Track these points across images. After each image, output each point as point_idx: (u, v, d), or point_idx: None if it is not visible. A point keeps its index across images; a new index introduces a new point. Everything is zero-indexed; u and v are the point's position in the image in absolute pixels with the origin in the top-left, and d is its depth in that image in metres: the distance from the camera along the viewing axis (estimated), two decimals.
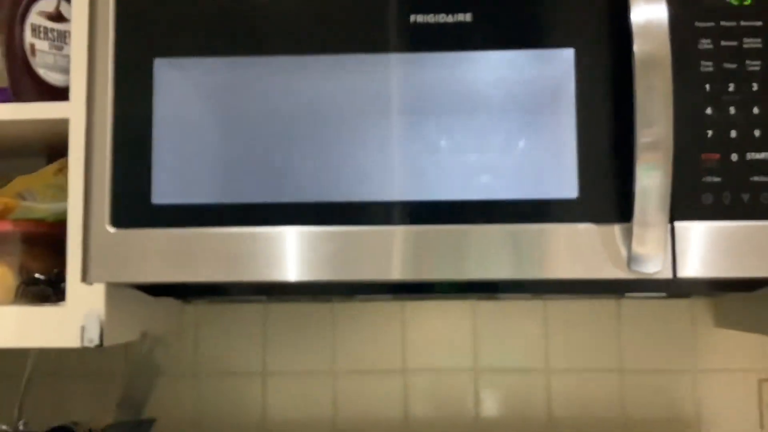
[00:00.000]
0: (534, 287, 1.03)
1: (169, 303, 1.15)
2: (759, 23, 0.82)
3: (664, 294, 1.14)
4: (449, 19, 0.83)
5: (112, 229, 0.83)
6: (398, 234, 0.82)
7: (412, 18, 0.84)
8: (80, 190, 0.87)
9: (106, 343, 0.89)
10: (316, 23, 0.84)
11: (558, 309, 1.21)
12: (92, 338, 0.89)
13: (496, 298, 1.20)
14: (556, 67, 0.82)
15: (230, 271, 0.83)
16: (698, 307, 1.20)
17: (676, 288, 1.02)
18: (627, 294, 1.13)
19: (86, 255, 0.83)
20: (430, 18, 0.84)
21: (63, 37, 1.00)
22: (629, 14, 0.77)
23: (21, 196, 0.98)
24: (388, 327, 1.22)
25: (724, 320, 1.16)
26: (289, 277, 0.82)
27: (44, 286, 0.97)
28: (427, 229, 0.81)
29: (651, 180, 0.76)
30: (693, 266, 0.80)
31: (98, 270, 0.83)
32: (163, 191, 0.83)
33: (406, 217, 0.81)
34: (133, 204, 0.83)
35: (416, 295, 1.17)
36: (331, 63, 0.84)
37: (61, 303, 0.91)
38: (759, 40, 0.81)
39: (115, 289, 0.91)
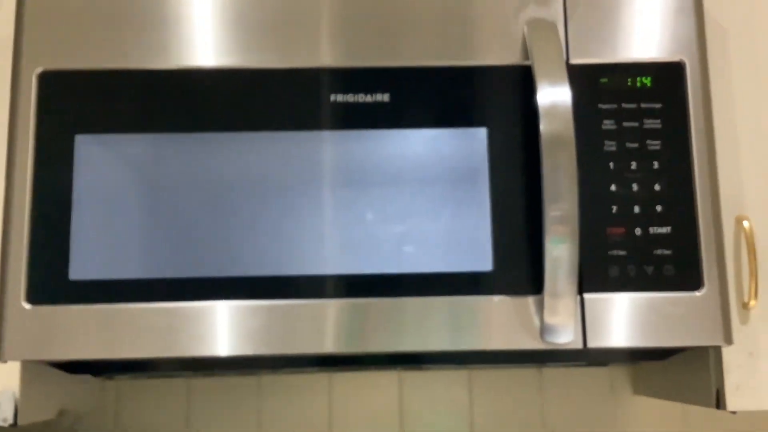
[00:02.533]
0: (459, 357, 1.05)
1: (89, 379, 1.13)
2: (658, 105, 0.87)
3: (583, 363, 1.17)
4: (368, 98, 0.87)
5: (27, 306, 0.82)
6: (331, 307, 0.83)
7: (333, 97, 0.87)
8: None
9: (21, 422, 0.87)
10: (244, 101, 0.86)
11: (482, 378, 1.22)
12: (6, 417, 0.87)
13: (422, 369, 1.22)
14: (470, 145, 0.86)
15: (154, 347, 0.82)
16: (616, 375, 1.23)
17: (592, 357, 1.05)
18: (547, 363, 1.16)
19: (1, 332, 0.82)
20: (350, 97, 0.87)
21: None
22: (536, 96, 0.82)
23: None
24: (315, 399, 1.22)
25: (642, 388, 1.19)
26: (219, 353, 0.82)
27: None
28: (359, 301, 0.83)
29: (560, 252, 0.79)
30: (602, 336, 0.83)
31: (13, 347, 0.82)
32: (82, 267, 0.83)
33: (339, 290, 0.83)
34: (50, 280, 0.82)
35: (343, 366, 1.17)
36: (259, 139, 0.86)
37: None
38: (658, 120, 0.87)
39: (30, 367, 0.90)
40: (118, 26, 0.87)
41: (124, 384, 1.21)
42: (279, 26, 0.88)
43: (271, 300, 0.83)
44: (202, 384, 1.21)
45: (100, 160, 0.85)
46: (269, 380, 1.22)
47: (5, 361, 0.83)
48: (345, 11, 0.89)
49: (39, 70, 0.86)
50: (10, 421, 0.87)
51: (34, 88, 0.86)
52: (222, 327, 0.82)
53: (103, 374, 1.12)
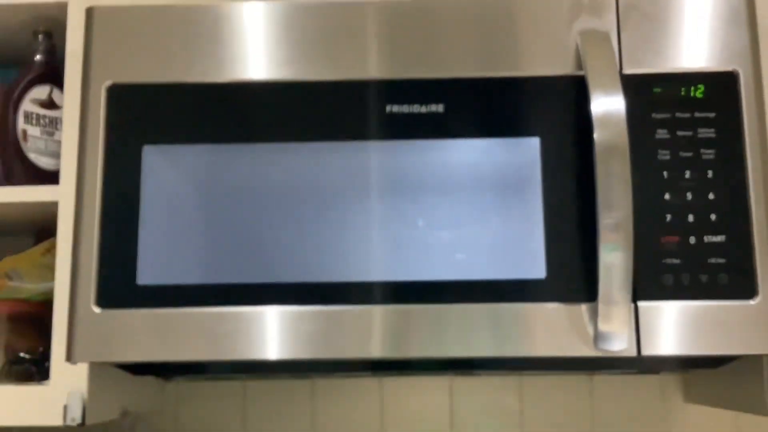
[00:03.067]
0: (509, 363, 1.06)
1: (150, 381, 1.17)
2: (712, 114, 0.87)
3: (634, 370, 1.17)
4: (423, 109, 0.89)
5: (97, 309, 0.85)
6: (378, 313, 0.85)
7: (388, 108, 0.89)
8: (67, 270, 0.90)
9: (88, 422, 0.91)
10: (298, 113, 0.89)
11: (533, 384, 1.23)
12: (75, 417, 0.90)
13: (473, 374, 1.23)
14: (523, 154, 0.87)
15: (213, 350, 0.85)
16: (668, 383, 1.23)
17: (644, 365, 1.06)
18: (599, 371, 1.16)
19: (71, 334, 0.85)
20: (405, 108, 0.89)
21: (54, 123, 1.04)
22: (590, 105, 0.83)
23: (8, 276, 1.01)
24: (367, 403, 1.24)
25: (693, 396, 1.18)
26: (270, 356, 0.85)
27: (29, 365, 0.98)
28: (405, 308, 0.85)
29: (614, 259, 0.80)
30: (656, 344, 0.83)
31: (83, 350, 0.85)
32: (149, 272, 0.86)
33: (386, 297, 0.85)
34: (119, 285, 0.85)
35: (394, 371, 1.19)
36: (313, 150, 0.88)
37: (45, 382, 0.92)
38: (712, 130, 0.87)
39: (98, 368, 0.93)
40: (180, 41, 0.91)
41: (182, 386, 1.24)
42: (329, 39, 0.90)
43: (321, 305, 0.85)
44: (258, 386, 1.24)
45: (165, 169, 0.88)
46: (322, 383, 1.24)
47: (75, 363, 0.87)
48: (393, 23, 0.90)
49: (108, 83, 0.90)
50: (78, 420, 0.90)
51: (103, 101, 0.89)
52: (272, 331, 0.85)
53: (165, 375, 1.16)
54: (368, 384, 1.24)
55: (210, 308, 0.85)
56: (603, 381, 1.23)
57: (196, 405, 1.24)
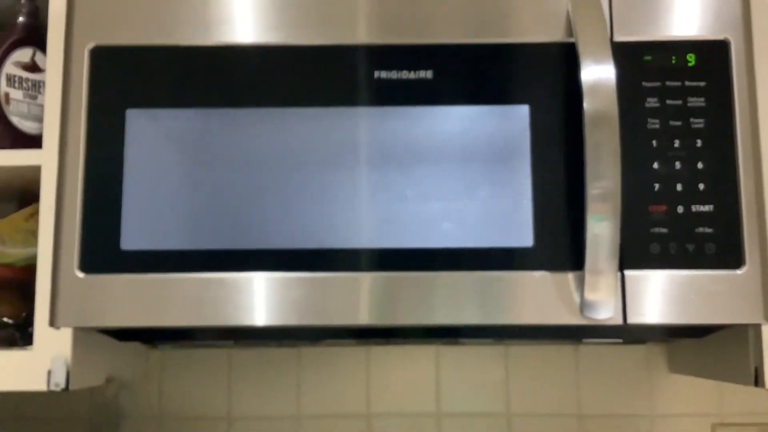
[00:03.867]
0: (495, 332, 1.06)
1: (135, 347, 1.16)
2: (702, 83, 0.87)
3: (619, 340, 1.17)
4: (411, 75, 0.88)
5: (80, 275, 0.85)
6: (366, 280, 0.84)
7: (377, 74, 0.88)
8: (50, 235, 0.89)
9: (72, 387, 0.90)
10: (285, 77, 0.88)
11: (519, 354, 1.23)
12: (58, 382, 0.89)
13: (459, 343, 1.23)
14: (513, 122, 0.86)
15: (198, 316, 0.85)
16: (653, 353, 1.23)
17: (630, 334, 1.06)
18: (584, 340, 1.17)
19: (54, 299, 0.85)
20: (394, 74, 0.88)
21: (37, 87, 1.02)
22: (579, 73, 0.82)
23: None
24: (353, 372, 1.24)
25: (678, 366, 1.19)
26: (256, 322, 0.84)
27: (12, 330, 0.98)
28: (393, 275, 0.84)
29: (601, 229, 0.80)
30: (642, 313, 0.83)
31: (66, 314, 0.85)
32: (133, 237, 0.85)
33: (373, 264, 0.84)
34: (103, 250, 0.85)
35: (381, 339, 1.19)
36: (300, 115, 0.87)
37: (29, 347, 0.91)
38: (702, 99, 0.86)
39: (82, 334, 0.92)
40: (165, 3, 0.89)
41: (168, 353, 1.24)
42: (319, 3, 0.89)
43: (308, 272, 0.85)
44: (244, 355, 1.24)
45: (149, 134, 0.87)
46: (308, 352, 1.24)
47: (58, 328, 0.87)
48: None
49: (91, 45, 0.88)
50: (62, 386, 0.90)
51: (86, 63, 0.88)
52: (259, 298, 0.85)
53: (150, 342, 1.16)
54: (354, 353, 1.24)
55: (195, 274, 0.85)
56: (588, 351, 1.23)
57: (181, 372, 1.24)
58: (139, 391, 1.24)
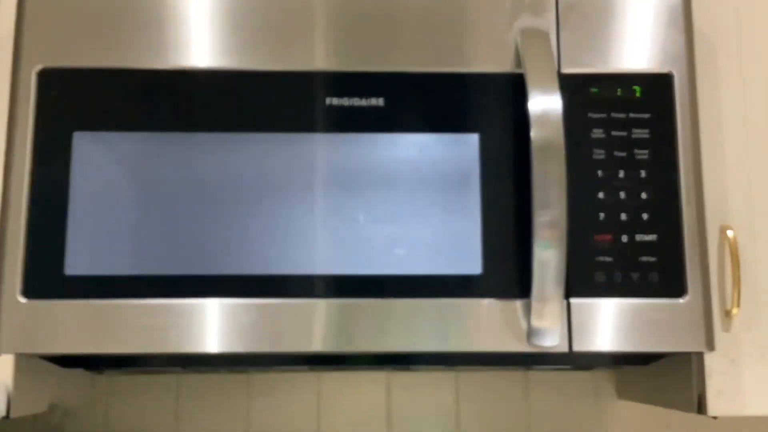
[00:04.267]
0: (445, 359, 1.06)
1: (80, 374, 1.14)
2: (647, 115, 0.89)
3: (568, 366, 1.19)
4: (363, 102, 0.88)
5: (23, 300, 0.83)
6: (319, 306, 0.84)
7: (328, 101, 0.88)
8: None
9: (13, 415, 0.88)
10: (235, 102, 0.88)
11: (469, 380, 1.24)
12: None
13: (410, 369, 1.23)
14: (462, 150, 0.87)
15: (146, 343, 0.83)
16: (601, 380, 1.25)
17: (577, 361, 1.07)
18: (534, 366, 1.18)
19: None
20: (345, 101, 0.88)
21: None
22: (527, 103, 0.83)
23: None
24: (304, 398, 1.23)
25: (625, 392, 1.21)
26: (209, 349, 0.83)
27: None
28: (346, 302, 0.84)
29: (547, 256, 0.81)
30: (588, 340, 0.85)
31: (7, 340, 0.83)
32: (77, 262, 0.84)
33: (327, 290, 0.84)
34: (46, 275, 0.83)
35: (332, 366, 1.19)
36: (250, 140, 0.87)
37: None
38: (647, 130, 0.89)
39: (24, 360, 0.91)
40: (117, 25, 0.89)
41: (114, 379, 1.22)
42: (274, 29, 0.89)
43: (261, 298, 0.84)
44: (192, 380, 1.23)
45: (97, 157, 0.86)
46: (259, 378, 1.23)
47: None
48: (340, 16, 0.90)
49: (38, 67, 0.87)
50: (3, 413, 0.88)
51: (33, 86, 0.87)
52: (212, 324, 0.84)
53: (96, 368, 1.13)
54: (305, 379, 1.23)
55: (143, 300, 0.84)
56: (537, 377, 1.24)
57: (127, 399, 1.22)
58: (84, 418, 1.21)
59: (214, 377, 1.23)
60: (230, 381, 1.23)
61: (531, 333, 0.83)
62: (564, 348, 0.84)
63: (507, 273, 0.85)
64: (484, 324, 0.84)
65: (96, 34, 0.88)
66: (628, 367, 1.15)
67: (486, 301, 0.85)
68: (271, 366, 1.17)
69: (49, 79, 0.87)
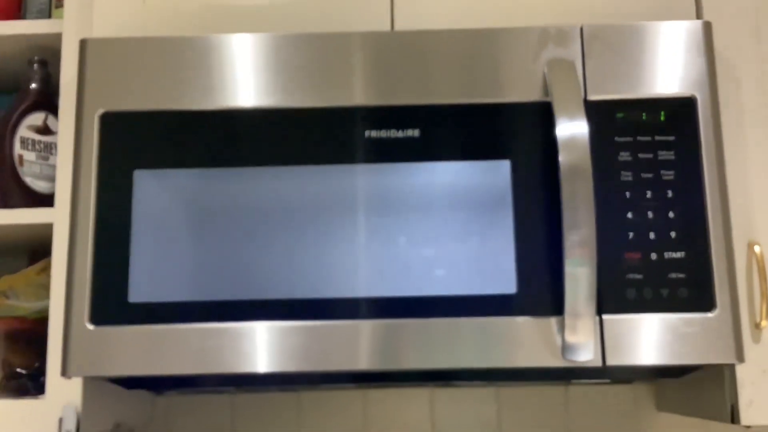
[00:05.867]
0: (486, 375, 1.10)
1: (142, 394, 1.20)
2: (672, 138, 0.93)
3: (607, 380, 1.22)
4: (400, 134, 0.94)
5: (90, 326, 0.89)
6: (363, 327, 0.89)
7: (367, 133, 0.94)
8: (62, 289, 0.94)
9: None
10: (280, 138, 0.94)
11: (510, 395, 1.27)
12: (69, 429, 0.94)
13: (452, 385, 1.27)
14: (495, 175, 0.92)
15: (202, 364, 0.89)
16: (640, 392, 1.27)
17: (614, 374, 1.10)
18: (573, 381, 1.21)
19: (66, 350, 0.89)
20: (383, 133, 0.94)
21: (49, 149, 1.08)
22: (555, 130, 0.88)
23: (5, 295, 1.05)
24: (351, 414, 1.28)
25: (664, 404, 1.23)
26: (258, 369, 0.89)
27: (25, 380, 1.02)
28: (389, 322, 0.89)
29: (579, 274, 0.85)
30: (620, 355, 0.88)
31: (77, 364, 0.89)
32: (139, 291, 0.90)
33: (371, 312, 0.89)
34: (111, 302, 0.90)
35: (377, 383, 1.23)
36: (296, 172, 0.93)
37: (41, 396, 0.96)
38: (672, 152, 0.92)
39: (91, 383, 0.97)
40: (170, 71, 0.96)
41: (173, 399, 1.28)
42: (314, 68, 0.95)
43: (308, 321, 0.89)
44: (246, 400, 1.28)
45: (155, 192, 0.93)
46: (308, 396, 1.28)
47: (69, 377, 0.91)
48: (376, 52, 0.96)
49: (101, 111, 0.94)
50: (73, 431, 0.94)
51: (96, 128, 0.94)
52: (262, 346, 0.89)
53: (156, 389, 1.20)
54: (352, 396, 1.28)
55: (198, 324, 0.90)
56: (577, 391, 1.27)
57: (186, 418, 1.28)
58: None
59: (266, 396, 1.28)
60: (281, 399, 1.28)
61: (565, 348, 0.87)
62: (598, 362, 0.88)
63: (540, 292, 0.89)
64: (521, 341, 0.88)
65: (151, 79, 0.95)
66: (665, 379, 1.17)
67: (521, 319, 0.89)
68: (319, 384, 1.22)
69: (110, 121, 0.94)
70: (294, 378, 1.09)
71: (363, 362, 0.89)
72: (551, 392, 1.27)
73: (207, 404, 1.28)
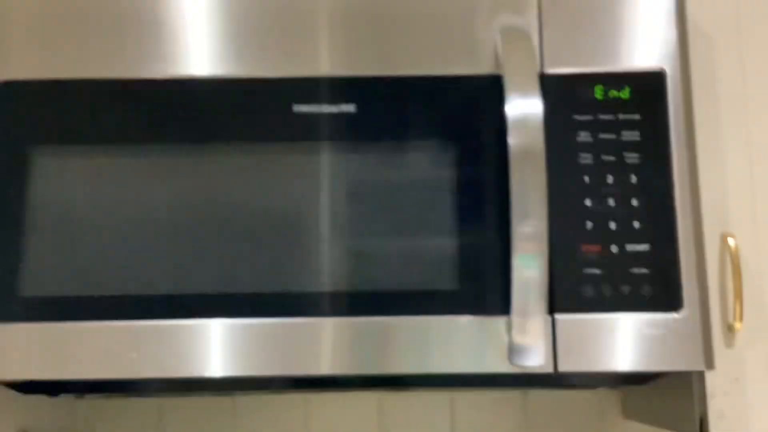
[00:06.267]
0: (435, 380, 1.01)
1: (58, 399, 1.11)
2: (637, 116, 0.83)
3: (566, 386, 1.13)
4: (333, 109, 0.84)
5: None
6: (275, 325, 0.79)
7: (296, 108, 0.84)
8: None
9: None
10: (220, 112, 0.84)
11: (465, 401, 1.19)
12: None
13: (402, 390, 1.18)
14: (437, 158, 0.83)
15: (104, 367, 0.79)
16: (605, 399, 1.19)
17: (569, 380, 1.01)
18: (530, 386, 1.12)
19: None
20: (314, 108, 0.84)
21: None
22: (504, 108, 0.78)
23: None
24: (292, 421, 1.19)
25: (630, 412, 1.15)
26: (215, 373, 0.79)
27: None
28: (310, 321, 0.79)
29: (528, 270, 0.75)
30: (575, 360, 0.79)
31: None
32: (35, 283, 0.80)
33: (285, 309, 0.79)
34: None
35: (319, 388, 1.14)
36: (242, 151, 0.83)
37: None
38: (637, 132, 0.83)
39: None
40: (78, 36, 0.85)
41: (96, 404, 1.19)
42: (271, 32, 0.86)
43: (224, 318, 0.80)
44: (175, 404, 1.19)
45: (58, 173, 0.83)
46: (244, 401, 1.19)
47: None
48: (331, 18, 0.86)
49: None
50: None
51: None
52: (213, 346, 0.80)
53: (58, 394, 1.10)
54: (293, 401, 1.19)
55: (105, 322, 0.79)
56: (537, 397, 1.19)
57: (109, 423, 1.19)
58: None
59: (197, 401, 1.19)
60: (215, 405, 1.19)
61: (512, 352, 0.77)
62: (549, 368, 0.78)
63: (485, 288, 0.79)
64: (463, 343, 0.79)
65: (56, 45, 0.85)
66: (630, 386, 1.08)
67: (463, 318, 0.79)
68: (258, 388, 1.13)
69: (6, 91, 0.84)
70: (232, 382, 1.00)
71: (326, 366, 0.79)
72: (509, 397, 1.19)
73: (133, 409, 1.18)
